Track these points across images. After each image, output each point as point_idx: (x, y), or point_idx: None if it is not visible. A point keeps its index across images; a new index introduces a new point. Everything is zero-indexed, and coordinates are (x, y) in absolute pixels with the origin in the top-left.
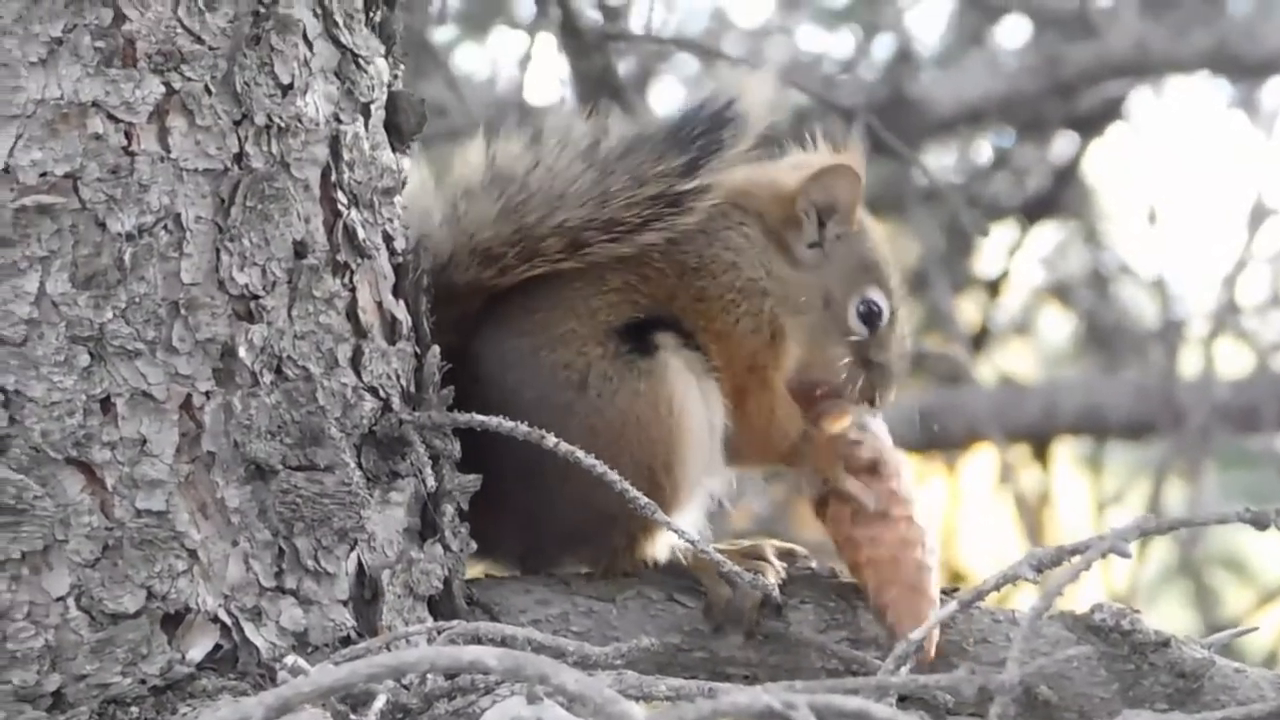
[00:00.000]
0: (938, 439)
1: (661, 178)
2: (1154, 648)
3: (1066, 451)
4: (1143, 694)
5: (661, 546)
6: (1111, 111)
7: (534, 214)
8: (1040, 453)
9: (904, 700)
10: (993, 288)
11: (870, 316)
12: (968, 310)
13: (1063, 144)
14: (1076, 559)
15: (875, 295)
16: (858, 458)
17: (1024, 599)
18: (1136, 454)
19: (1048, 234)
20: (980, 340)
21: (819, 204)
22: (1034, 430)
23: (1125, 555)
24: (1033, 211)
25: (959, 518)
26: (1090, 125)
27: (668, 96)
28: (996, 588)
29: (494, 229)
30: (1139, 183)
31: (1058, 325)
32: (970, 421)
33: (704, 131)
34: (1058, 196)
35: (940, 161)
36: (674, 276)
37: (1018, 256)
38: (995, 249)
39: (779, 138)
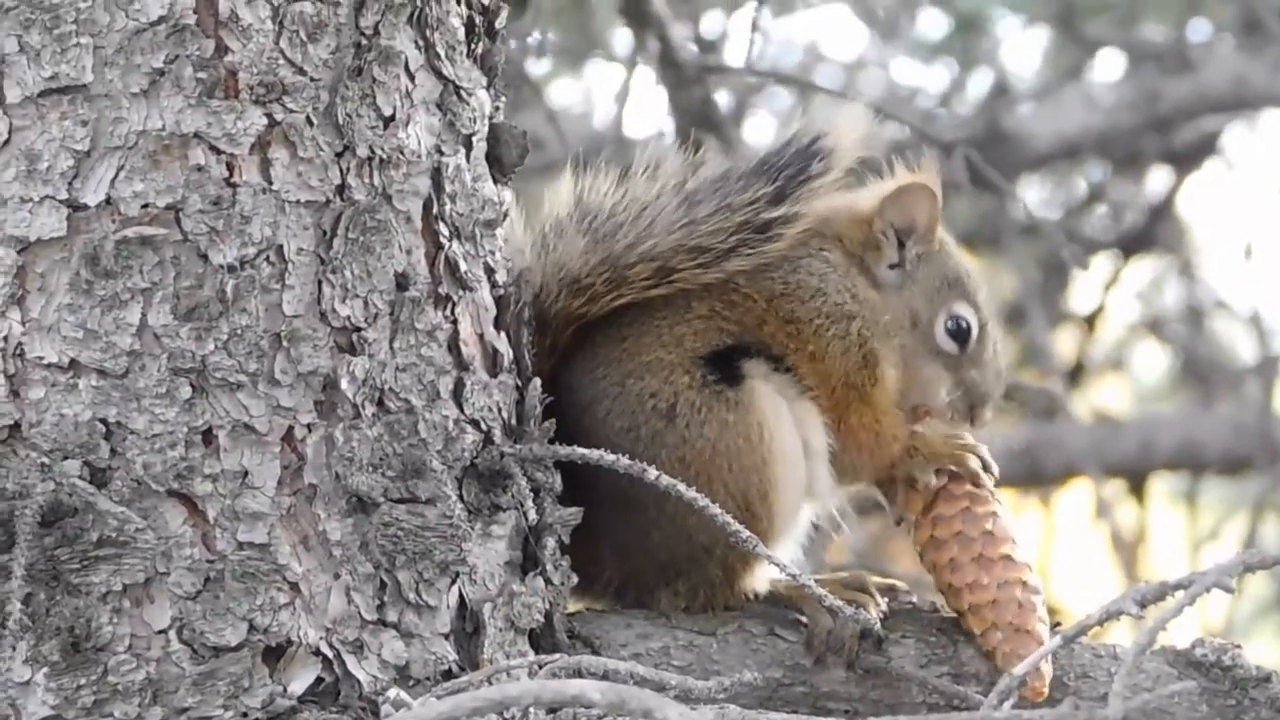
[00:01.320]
0: (1034, 474)
1: (749, 205)
2: (1255, 683)
3: (1162, 487)
4: None
5: (760, 579)
6: (1207, 146)
7: (621, 242)
8: (1136, 488)
9: None
10: (1089, 323)
11: (959, 333)
12: (1063, 345)
13: (1158, 179)
14: (1180, 594)
15: (962, 310)
16: (976, 450)
17: (1120, 635)
18: (1233, 490)
19: (1143, 269)
20: (1076, 375)
21: (897, 225)
22: (1130, 465)
23: (1229, 590)
24: (1128, 246)
25: (1054, 553)
26: (1186, 160)
27: (762, 130)
28: (1100, 623)
29: (583, 259)
30: (1234, 218)
31: (1153, 360)
32: (1067, 457)
33: (792, 162)
34: (1153, 231)
35: (1036, 196)
36: (761, 302)
37: (1113, 291)
38: (1090, 284)
39: (872, 171)
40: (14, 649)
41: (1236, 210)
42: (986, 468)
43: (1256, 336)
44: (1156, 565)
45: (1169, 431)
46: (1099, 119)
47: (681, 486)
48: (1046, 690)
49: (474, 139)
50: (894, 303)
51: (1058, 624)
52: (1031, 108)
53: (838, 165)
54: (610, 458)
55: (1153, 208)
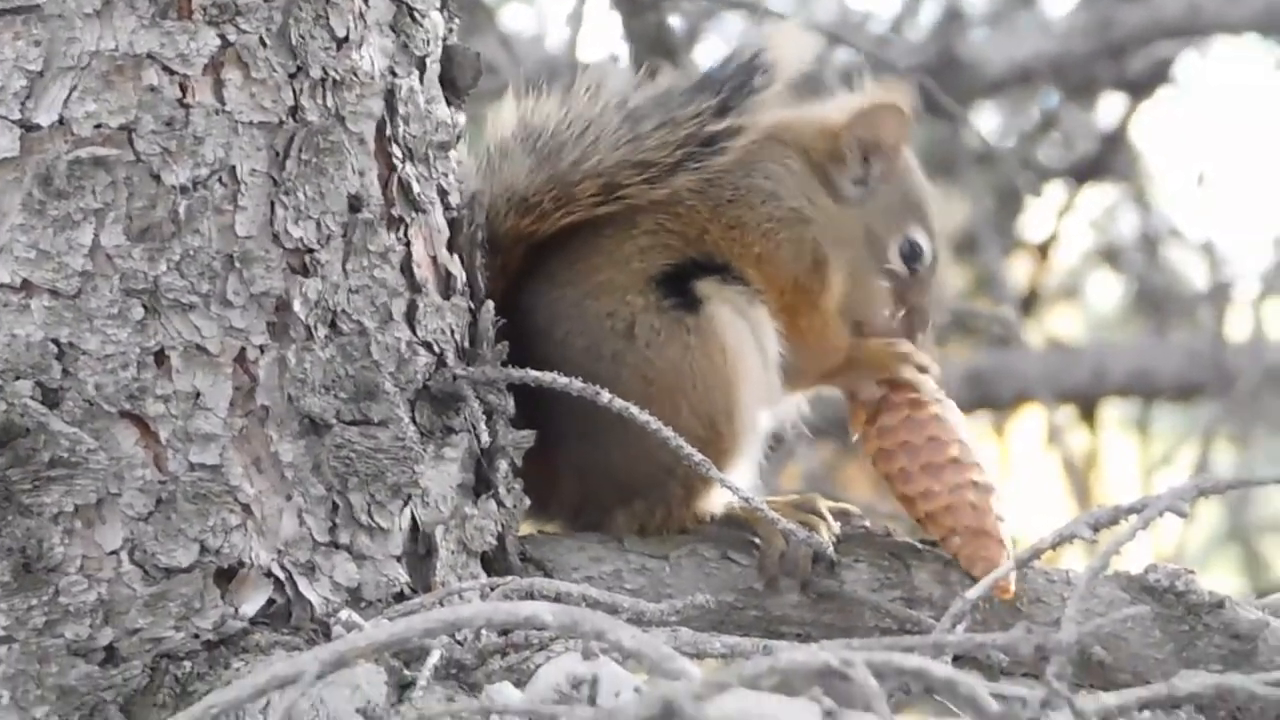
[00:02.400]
0: (988, 400)
1: (693, 119)
2: (1209, 609)
3: (1114, 414)
4: (1197, 655)
5: (717, 500)
6: (1160, 74)
7: (566, 159)
8: (1088, 415)
9: (957, 659)
10: (1042, 251)
11: (912, 256)
12: (1017, 274)
13: (1111, 106)
14: (1134, 518)
15: (918, 236)
16: (916, 359)
17: (1073, 560)
18: (1185, 417)
19: (1097, 197)
20: (1029, 303)
21: (864, 141)
22: (1083, 392)
23: (1183, 515)
24: (1081, 174)
25: (1007, 479)
26: (1140, 88)
27: (713, 56)
28: (1053, 546)
29: (529, 178)
30: (1187, 146)
31: (1106, 289)
32: (1019, 383)
33: (735, 76)
34: (1106, 159)
35: (989, 124)
36: (705, 211)
37: (1066, 219)
38: (1044, 212)
39: (816, 90)
40: None
41: (1189, 138)
42: (923, 370)
43: (1209, 264)
44: (1109, 491)
45: (1122, 358)
46: (1052, 45)
47: (635, 410)
48: (1013, 589)
49: (427, 61)
50: (851, 217)
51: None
52: (985, 33)
53: (779, 78)
54: (563, 380)
55: (1106, 135)
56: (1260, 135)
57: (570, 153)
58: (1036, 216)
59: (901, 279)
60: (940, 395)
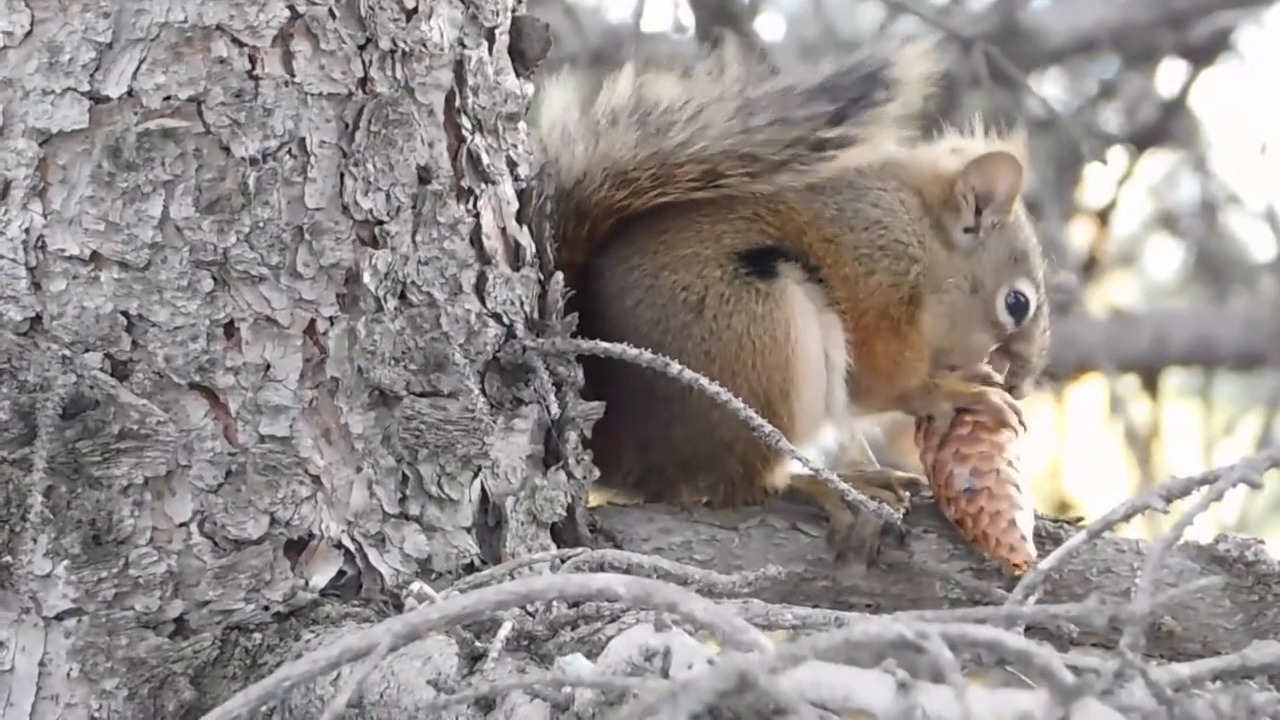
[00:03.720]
0: (1048, 369)
1: (807, 122)
2: (1278, 579)
3: (1175, 383)
4: (1266, 625)
5: (780, 476)
6: (1221, 42)
7: (673, 140)
8: (1150, 384)
9: (1027, 630)
10: (1101, 217)
11: (1018, 308)
12: (1076, 240)
13: (1171, 73)
14: (1205, 489)
15: (1025, 287)
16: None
17: (1138, 531)
18: (1247, 385)
19: (1156, 164)
20: (1089, 270)
21: (979, 190)
22: (1144, 361)
23: (1256, 485)
24: (1142, 141)
25: (1067, 449)
26: (1200, 55)
27: (771, 30)
28: (1125, 518)
29: (631, 152)
30: (1248, 114)
31: (1166, 256)
32: (1080, 352)
33: (855, 87)
34: (1166, 126)
35: (1050, 92)
36: (805, 216)
37: (1126, 186)
38: (1103, 179)
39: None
40: (35, 542)
41: (1250, 106)
42: (1011, 407)
43: (1271, 232)
44: (1170, 461)
45: (1183, 326)
46: (1114, 13)
47: (704, 381)
48: (1025, 560)
49: (496, 32)
50: (960, 265)
51: (1080, 519)
52: (1047, 2)
53: (900, 97)
54: (633, 352)
55: (1166, 103)
56: None
57: (678, 134)
58: (1096, 184)
59: (1005, 329)
60: (1015, 426)
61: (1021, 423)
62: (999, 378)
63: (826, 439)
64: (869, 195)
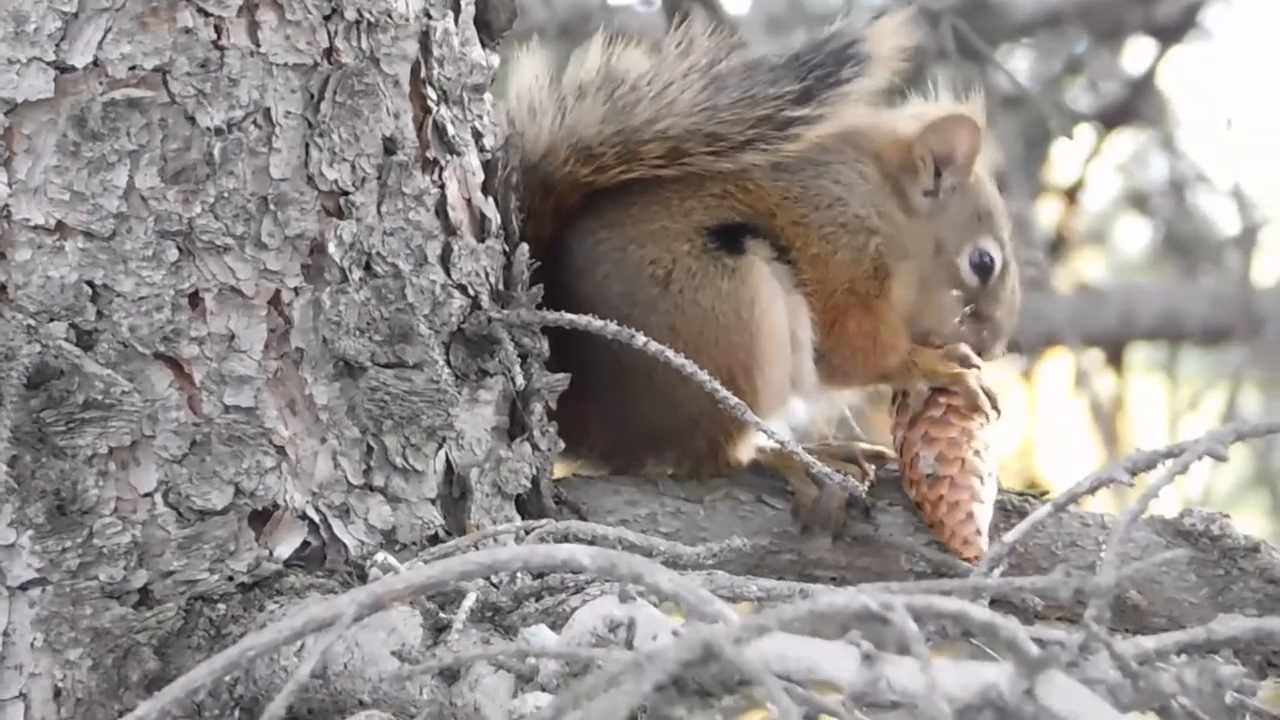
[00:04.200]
0: (1014, 343)
1: (773, 100)
2: (1244, 553)
3: (1140, 358)
4: (1232, 599)
5: (746, 449)
6: (1188, 19)
7: (639, 117)
8: (1116, 359)
9: (993, 603)
10: (1069, 195)
11: (983, 267)
12: (1044, 218)
13: (1139, 51)
14: (1171, 462)
15: (988, 246)
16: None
17: (1103, 505)
18: (1212, 361)
19: (1124, 142)
20: (1057, 248)
21: (937, 153)
22: (1110, 336)
23: (1221, 458)
24: (1109, 119)
25: (1034, 423)
26: (1168, 32)
27: (735, 3)
28: (1091, 490)
29: (597, 128)
30: (1215, 91)
31: (1134, 234)
32: (1047, 326)
33: (824, 64)
34: (1134, 104)
35: (1017, 67)
36: (774, 196)
37: (1093, 164)
38: (1071, 157)
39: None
40: None
41: (1217, 84)
42: (987, 393)
43: (1237, 208)
44: (1136, 436)
45: (1149, 301)
46: None
47: (670, 353)
48: (975, 559)
49: (462, 3)
50: (922, 228)
51: (1045, 493)
52: None
53: (871, 74)
54: (599, 323)
55: (1134, 81)
56: None
57: (644, 110)
58: (1063, 161)
59: (972, 289)
60: (987, 408)
61: (995, 408)
62: (978, 360)
63: (796, 414)
64: (830, 171)
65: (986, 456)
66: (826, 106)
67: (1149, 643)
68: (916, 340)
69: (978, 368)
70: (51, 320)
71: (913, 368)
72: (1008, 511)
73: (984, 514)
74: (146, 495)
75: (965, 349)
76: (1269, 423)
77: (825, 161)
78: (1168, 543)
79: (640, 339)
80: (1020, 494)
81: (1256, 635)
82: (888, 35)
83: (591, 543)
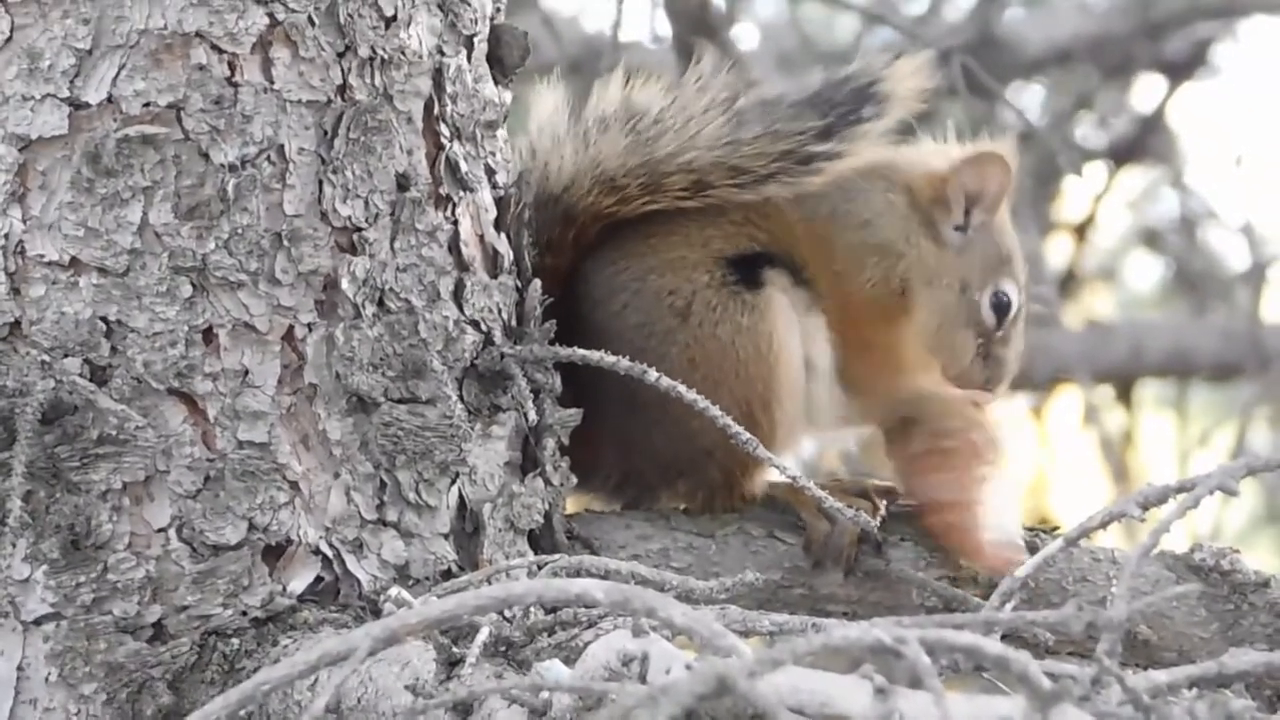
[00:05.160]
0: (1024, 379)
1: (796, 135)
2: (1254, 588)
3: (1150, 393)
4: (1242, 634)
5: (759, 484)
6: (1198, 56)
7: (663, 149)
8: (1125, 395)
9: (1004, 638)
10: (1079, 232)
11: (1001, 308)
12: (1053, 255)
13: (1148, 88)
14: (1182, 497)
15: (1008, 287)
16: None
17: (1111, 539)
18: (1222, 397)
19: (1134, 178)
20: (1066, 285)
21: (969, 189)
22: (1120, 372)
23: (1232, 493)
24: (1119, 156)
25: (1045, 459)
26: (1177, 69)
27: (746, 39)
28: (1103, 525)
29: (621, 159)
30: (1224, 127)
31: (1144, 270)
32: (1057, 362)
33: (845, 101)
34: (1143, 141)
35: (1027, 104)
36: (797, 217)
37: (1104, 201)
38: (1080, 194)
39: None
40: (14, 546)
41: (1226, 120)
42: (992, 445)
43: (1248, 245)
44: (1145, 471)
45: (1159, 337)
46: (1091, 24)
47: (682, 389)
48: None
49: (475, 40)
50: (950, 263)
51: (1056, 528)
52: (1023, 13)
53: (891, 113)
54: (610, 359)
55: (1144, 119)
56: None
57: (668, 143)
58: (1072, 198)
59: (988, 329)
60: (991, 455)
61: (999, 452)
62: (990, 414)
63: (806, 448)
64: (859, 196)
65: (997, 486)
66: (847, 144)
67: (1161, 676)
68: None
69: (987, 423)
70: (66, 356)
71: (927, 400)
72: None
73: (1006, 528)
74: (160, 530)
75: (979, 396)
76: (1278, 457)
77: (855, 188)
78: (1178, 578)
79: (652, 374)
80: (1031, 529)
81: (1268, 669)
82: (907, 76)
83: (604, 577)
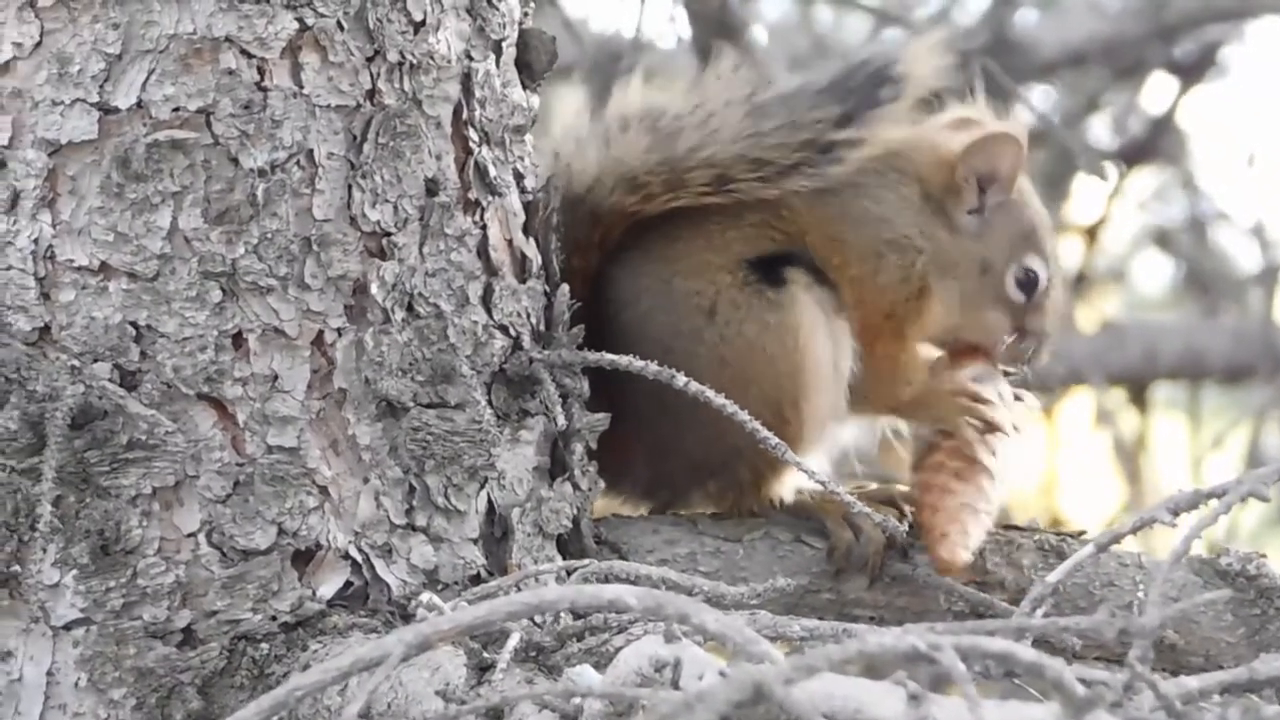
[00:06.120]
0: (1037, 381)
1: (816, 124)
2: None
3: (1162, 396)
4: (1269, 639)
5: (788, 486)
6: (1209, 57)
7: (684, 145)
8: (1138, 397)
9: (1032, 643)
10: (1090, 233)
11: (1028, 284)
12: (1065, 255)
13: (1160, 89)
14: (1214, 503)
15: (1033, 263)
16: (984, 415)
17: (1130, 543)
18: (1235, 399)
19: (1144, 180)
20: (1077, 286)
21: (980, 172)
22: (1133, 374)
23: (1264, 499)
24: (1130, 157)
25: (1057, 461)
26: (1189, 72)
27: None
28: (1134, 531)
29: (643, 157)
30: (1235, 129)
31: (1155, 272)
32: (1070, 364)
33: (863, 86)
34: (1155, 142)
35: (1041, 105)
36: (811, 219)
37: (1115, 202)
38: (1092, 194)
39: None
40: (44, 551)
41: (1237, 122)
42: (991, 429)
43: (1259, 246)
44: (1158, 474)
45: (1172, 339)
46: (1105, 26)
47: (710, 393)
48: (959, 561)
49: (504, 44)
50: (967, 248)
51: (1082, 532)
52: (1036, 15)
53: (908, 94)
54: (639, 363)
55: (1155, 120)
56: None
57: (689, 139)
58: (1084, 199)
59: (1018, 307)
60: (995, 448)
61: (994, 454)
62: (998, 412)
63: (832, 446)
64: (870, 193)
65: (991, 496)
66: (868, 129)
67: (1192, 682)
68: (958, 351)
69: (990, 404)
70: (95, 361)
71: (927, 405)
72: (1045, 551)
73: (978, 528)
74: (190, 535)
75: (977, 389)
76: None
77: (866, 184)
78: (1205, 582)
79: (680, 379)
80: (1059, 534)
81: None
82: (923, 55)
83: (634, 582)
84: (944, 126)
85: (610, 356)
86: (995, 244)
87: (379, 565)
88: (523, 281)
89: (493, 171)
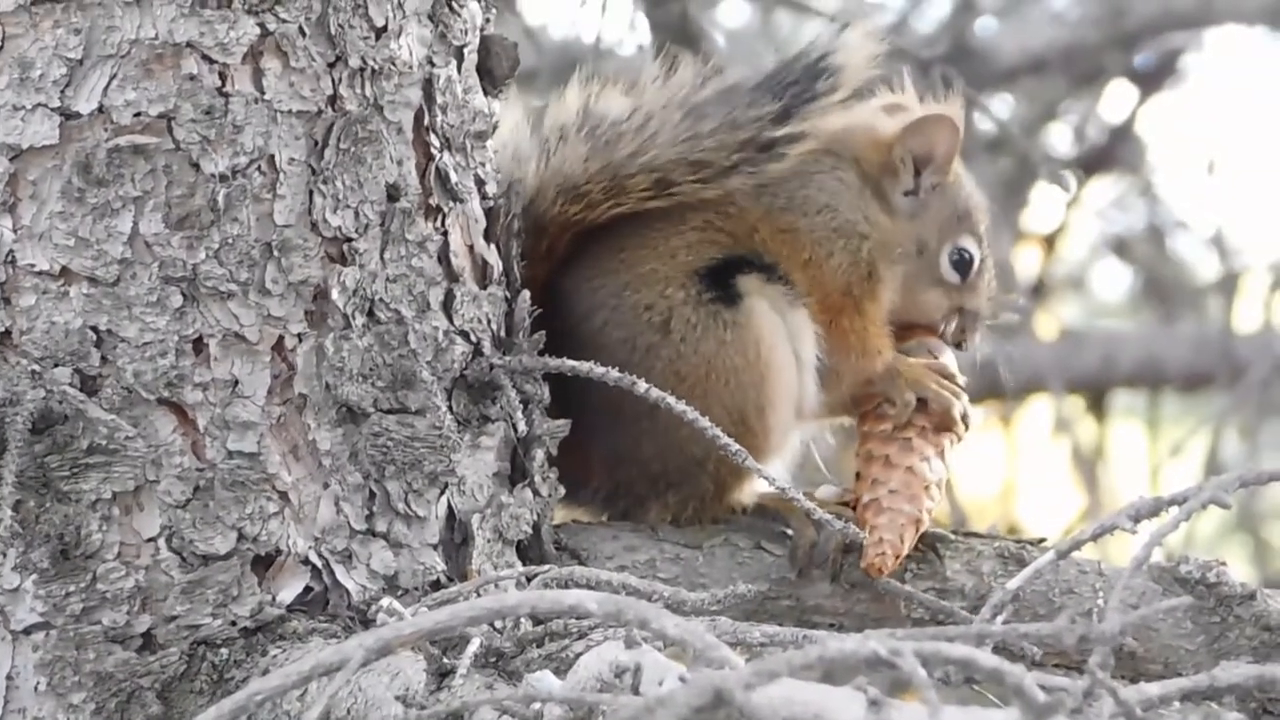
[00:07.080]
0: (995, 388)
1: (754, 122)
2: (1240, 600)
3: (1122, 403)
4: (1228, 647)
5: (749, 493)
6: (1169, 65)
7: (623, 151)
8: (1096, 405)
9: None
10: (1048, 241)
11: (963, 265)
12: (1022, 264)
13: (1119, 98)
14: (1175, 510)
15: (967, 244)
16: (956, 384)
17: (1089, 551)
18: (1194, 406)
19: (1103, 188)
20: (1036, 294)
21: (916, 153)
22: (1091, 381)
23: (1225, 506)
24: (1089, 165)
25: (1015, 468)
26: (1148, 80)
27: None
28: (1094, 538)
29: (583, 166)
30: (1195, 136)
31: (1114, 280)
32: (1028, 371)
33: (798, 80)
34: (1114, 150)
35: (1000, 113)
36: (757, 213)
37: (1074, 210)
38: (1051, 203)
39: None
40: (3, 555)
41: (1196, 128)
42: (964, 416)
43: (1218, 254)
44: (1117, 481)
45: (1131, 347)
46: (1064, 33)
47: (671, 400)
48: (888, 565)
49: (465, 50)
50: (904, 229)
51: (1042, 540)
52: (996, 22)
53: (844, 85)
54: (600, 370)
55: (1114, 128)
56: (1269, 125)
57: (628, 144)
58: (1042, 208)
59: (953, 286)
60: (959, 431)
61: (965, 427)
62: (961, 380)
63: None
64: (813, 181)
65: (936, 482)
66: (805, 122)
67: (1153, 689)
68: (900, 333)
69: (959, 383)
70: (56, 365)
71: (898, 376)
72: (1005, 558)
73: (910, 535)
74: (150, 540)
75: (949, 365)
76: (1271, 470)
77: (807, 172)
78: (1165, 590)
79: (642, 385)
80: (1019, 541)
81: (1259, 682)
82: (858, 44)
83: (594, 588)
84: (879, 109)
85: (571, 363)
86: (931, 225)
87: (339, 570)
88: (484, 287)
89: (454, 177)
